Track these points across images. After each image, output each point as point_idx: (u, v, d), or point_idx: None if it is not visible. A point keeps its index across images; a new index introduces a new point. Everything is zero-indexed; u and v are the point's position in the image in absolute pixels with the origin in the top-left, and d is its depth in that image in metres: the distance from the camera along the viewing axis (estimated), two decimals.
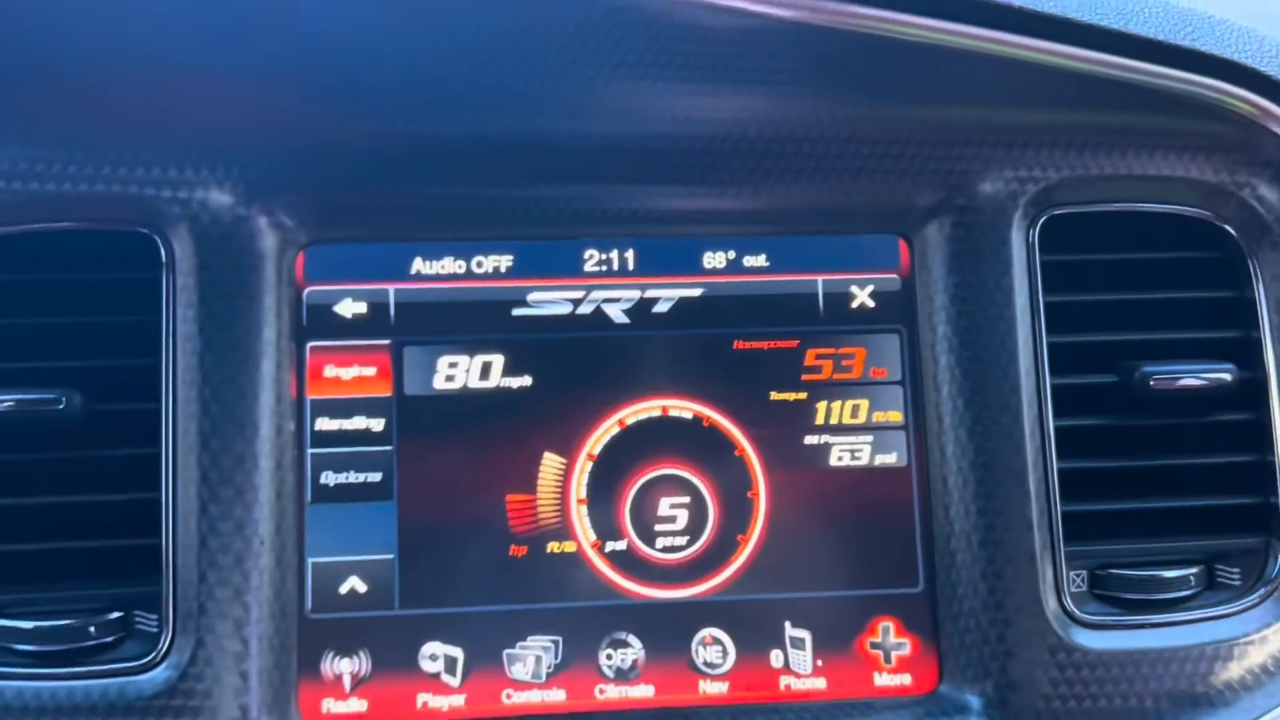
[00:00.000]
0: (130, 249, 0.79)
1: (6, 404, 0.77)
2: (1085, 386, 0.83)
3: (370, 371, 0.82)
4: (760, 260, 0.85)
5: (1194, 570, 0.82)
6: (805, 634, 0.82)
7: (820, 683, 0.82)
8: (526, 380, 0.83)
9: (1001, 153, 0.83)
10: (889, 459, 0.84)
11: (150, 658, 0.76)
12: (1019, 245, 0.83)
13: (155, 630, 0.76)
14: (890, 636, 0.82)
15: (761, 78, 0.80)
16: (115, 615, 0.77)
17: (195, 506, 0.76)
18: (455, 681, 0.80)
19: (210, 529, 0.76)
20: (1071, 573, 0.82)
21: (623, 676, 0.81)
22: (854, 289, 0.85)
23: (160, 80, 0.77)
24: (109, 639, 0.76)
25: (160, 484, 0.77)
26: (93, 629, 0.76)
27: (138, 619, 0.77)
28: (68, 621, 0.76)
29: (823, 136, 0.82)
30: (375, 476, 0.81)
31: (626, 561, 0.82)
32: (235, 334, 0.78)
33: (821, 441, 0.84)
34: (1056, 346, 0.83)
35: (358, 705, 0.79)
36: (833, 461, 0.83)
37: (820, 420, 0.84)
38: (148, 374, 0.78)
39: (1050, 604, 0.80)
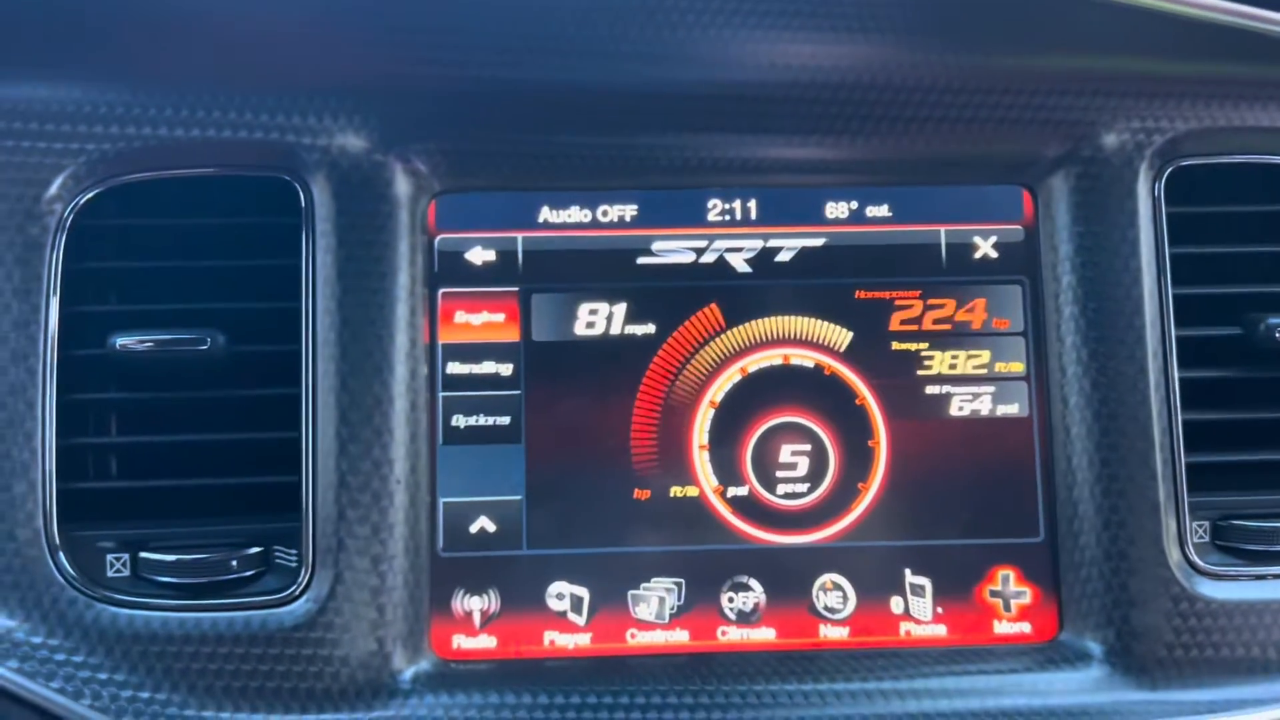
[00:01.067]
0: (271, 194, 0.81)
1: (153, 344, 0.79)
2: (1209, 338, 0.83)
3: (499, 318, 0.84)
4: (883, 210, 0.86)
5: None
6: (925, 581, 0.83)
7: (940, 629, 0.83)
8: (650, 328, 0.84)
9: (1128, 103, 0.83)
10: (1010, 409, 0.84)
11: (290, 591, 0.78)
12: (1145, 197, 0.83)
13: (295, 565, 0.79)
14: (1010, 585, 0.83)
15: (886, 26, 0.80)
16: (256, 550, 0.79)
17: (334, 446, 0.78)
18: (581, 620, 0.82)
19: (350, 468, 0.78)
20: (1194, 523, 0.82)
21: (744, 619, 0.82)
22: (977, 239, 0.85)
23: (300, 29, 0.79)
24: (249, 573, 0.79)
25: (301, 423, 0.79)
26: (234, 563, 0.78)
27: (277, 554, 0.80)
28: (210, 555, 0.78)
29: (947, 86, 0.83)
30: (504, 420, 0.83)
31: (748, 507, 0.83)
32: (372, 279, 0.80)
33: (942, 391, 0.84)
34: (1181, 298, 0.83)
35: (487, 641, 0.81)
36: (953, 411, 0.84)
37: (942, 370, 0.84)
38: (288, 316, 0.80)
39: (1173, 554, 0.80)
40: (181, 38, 0.79)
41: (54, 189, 0.79)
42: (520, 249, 0.84)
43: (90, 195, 0.80)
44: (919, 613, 0.83)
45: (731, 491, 0.83)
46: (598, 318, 0.84)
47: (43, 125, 0.79)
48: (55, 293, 0.79)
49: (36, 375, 0.78)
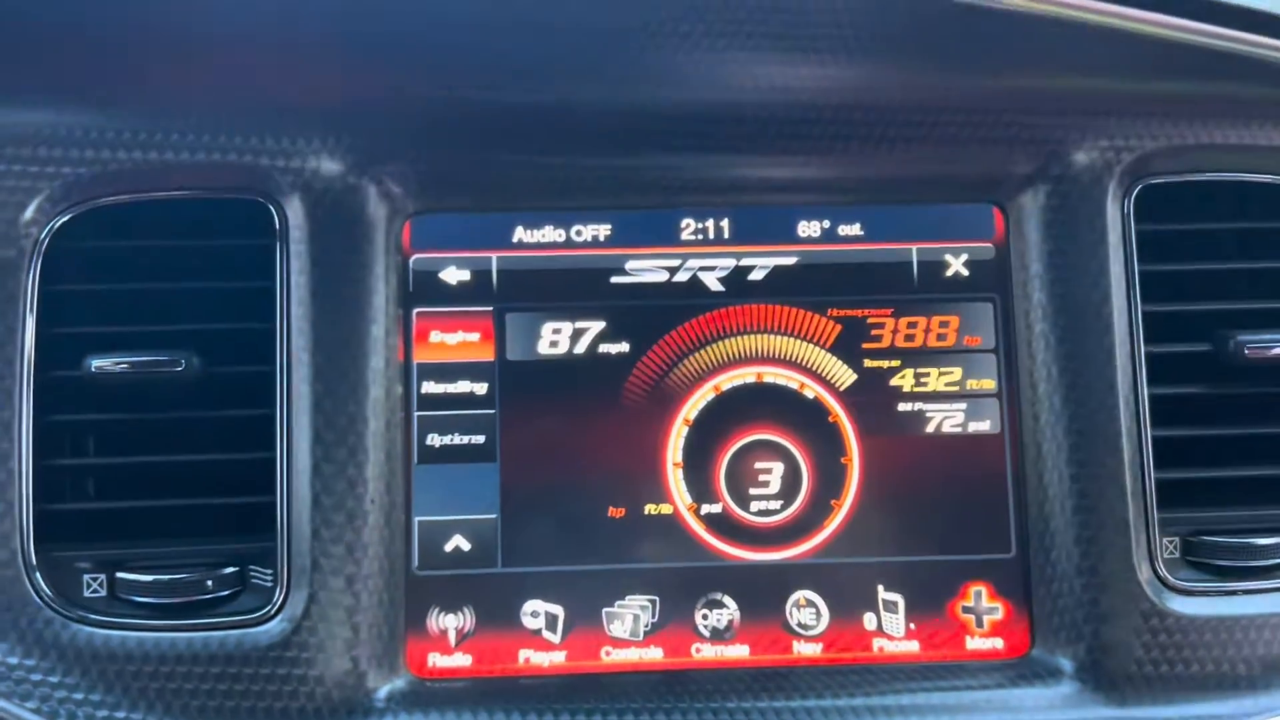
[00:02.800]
0: (246, 217, 0.82)
1: (128, 365, 0.79)
2: (1179, 355, 0.84)
3: (474, 337, 0.84)
4: (855, 229, 0.86)
5: None
6: (898, 597, 0.83)
7: (913, 645, 0.83)
8: (624, 346, 0.85)
9: (1097, 122, 0.84)
10: (982, 426, 0.85)
11: (265, 610, 0.78)
12: (1114, 214, 0.84)
13: (270, 585, 0.79)
14: (982, 601, 0.83)
15: (857, 48, 0.81)
16: (231, 570, 0.80)
17: (309, 465, 0.79)
18: (556, 638, 0.82)
19: (324, 487, 0.79)
20: (1165, 539, 0.82)
21: (718, 636, 0.83)
22: (948, 257, 0.86)
23: (273, 53, 0.80)
24: (225, 592, 0.79)
25: (275, 444, 0.79)
26: (210, 583, 0.79)
27: (253, 574, 0.80)
28: (186, 575, 0.79)
29: (918, 106, 0.83)
30: (479, 439, 0.83)
31: (721, 524, 0.84)
32: (346, 299, 0.81)
33: (915, 408, 0.85)
34: (1151, 315, 0.83)
35: (462, 660, 0.82)
36: (926, 428, 0.85)
37: (914, 387, 0.85)
38: (263, 337, 0.81)
39: (1144, 570, 0.81)
40: (155, 62, 0.79)
41: (30, 212, 0.80)
42: (495, 269, 0.85)
43: (66, 218, 0.81)
44: (892, 629, 0.83)
45: (705, 509, 0.84)
46: (572, 337, 0.84)
47: (18, 149, 0.80)
48: (31, 314, 0.80)
49: (13, 397, 0.78)
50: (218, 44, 0.79)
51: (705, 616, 0.83)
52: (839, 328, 0.85)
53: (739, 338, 0.85)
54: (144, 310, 0.81)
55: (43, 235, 0.80)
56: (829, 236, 0.86)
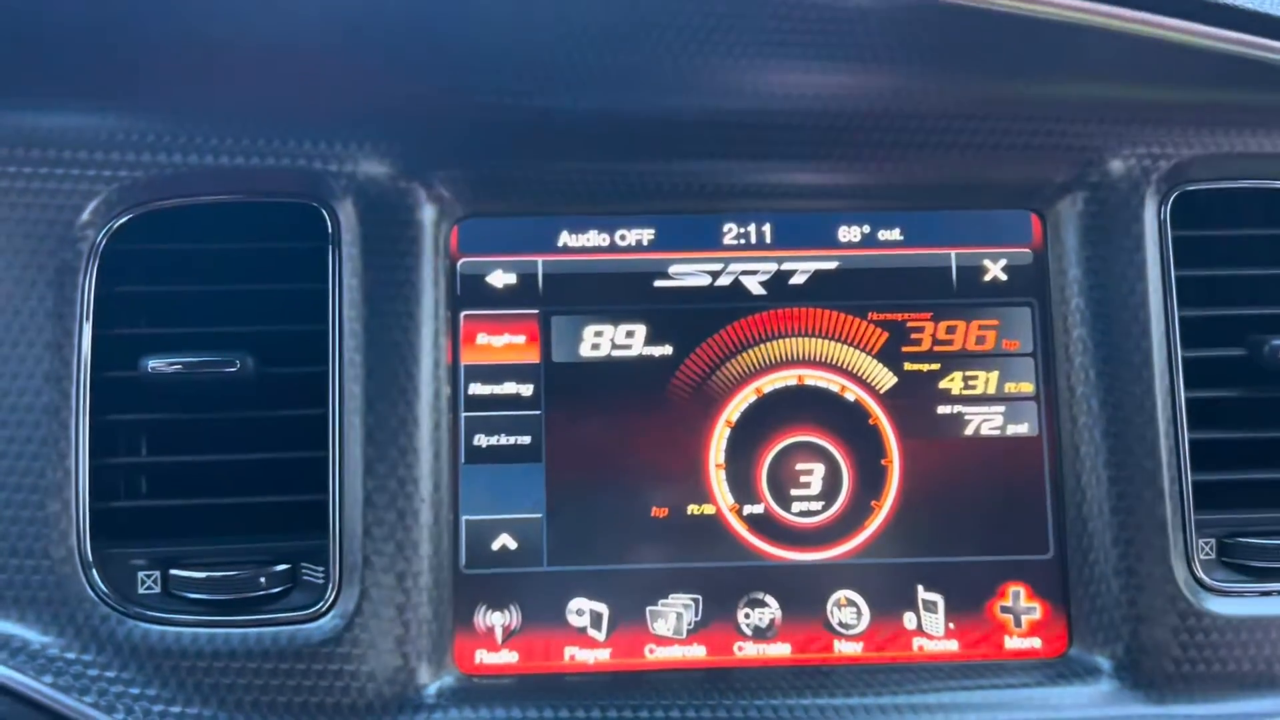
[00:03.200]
0: (298, 220, 0.83)
1: (182, 366, 0.81)
2: (1215, 359, 0.85)
3: (520, 339, 0.86)
4: (894, 234, 0.88)
5: None
6: (938, 597, 0.85)
7: (952, 645, 0.84)
8: (667, 349, 0.86)
9: (1135, 130, 0.85)
10: (1020, 429, 0.86)
11: (318, 607, 0.80)
12: (1151, 220, 0.85)
13: (322, 582, 0.81)
14: (1021, 601, 0.85)
15: (897, 55, 0.82)
16: (284, 567, 0.81)
17: (360, 465, 0.80)
18: (601, 636, 0.84)
19: (375, 486, 0.80)
20: (1201, 540, 0.84)
21: (760, 635, 0.84)
22: (987, 262, 0.87)
23: (325, 60, 0.81)
24: (277, 589, 0.81)
25: (328, 443, 0.81)
26: (263, 580, 0.80)
27: (305, 571, 0.82)
28: (239, 572, 0.80)
29: (957, 113, 0.85)
30: (525, 439, 0.84)
31: (763, 524, 0.85)
32: (396, 302, 0.82)
33: (954, 411, 0.86)
34: (1187, 320, 0.85)
35: (509, 656, 0.83)
36: (965, 431, 0.86)
37: (953, 390, 0.86)
38: (316, 339, 0.82)
39: (1180, 571, 0.82)
40: (210, 68, 0.81)
41: (87, 215, 0.81)
42: (540, 272, 0.86)
43: (122, 221, 0.82)
44: (931, 628, 0.84)
45: (747, 509, 0.85)
46: (616, 339, 0.86)
47: (75, 153, 0.81)
48: (88, 316, 0.81)
49: (70, 397, 0.80)
50: (273, 51, 0.80)
51: (747, 615, 0.84)
52: (879, 331, 0.86)
53: (780, 341, 0.86)
54: (199, 312, 0.83)
55: (99, 238, 0.82)
56: (869, 241, 0.87)
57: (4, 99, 0.81)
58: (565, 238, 0.87)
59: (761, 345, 0.86)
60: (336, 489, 0.80)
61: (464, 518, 0.84)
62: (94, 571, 0.79)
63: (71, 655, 0.78)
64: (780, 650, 0.84)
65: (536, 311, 0.86)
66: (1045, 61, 0.83)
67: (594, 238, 0.87)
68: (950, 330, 0.87)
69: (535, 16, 0.79)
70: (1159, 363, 0.83)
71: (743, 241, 0.87)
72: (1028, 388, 0.86)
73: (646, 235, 0.87)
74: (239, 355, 0.81)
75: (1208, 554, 0.84)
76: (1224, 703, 0.81)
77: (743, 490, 0.85)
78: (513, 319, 0.86)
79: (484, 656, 0.83)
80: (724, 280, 0.87)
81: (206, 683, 0.78)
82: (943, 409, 0.86)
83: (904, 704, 0.81)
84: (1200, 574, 0.82)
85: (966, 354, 0.86)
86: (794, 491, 0.85)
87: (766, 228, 0.88)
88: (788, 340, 0.86)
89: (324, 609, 0.80)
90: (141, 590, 0.80)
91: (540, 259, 0.86)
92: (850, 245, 0.87)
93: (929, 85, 0.84)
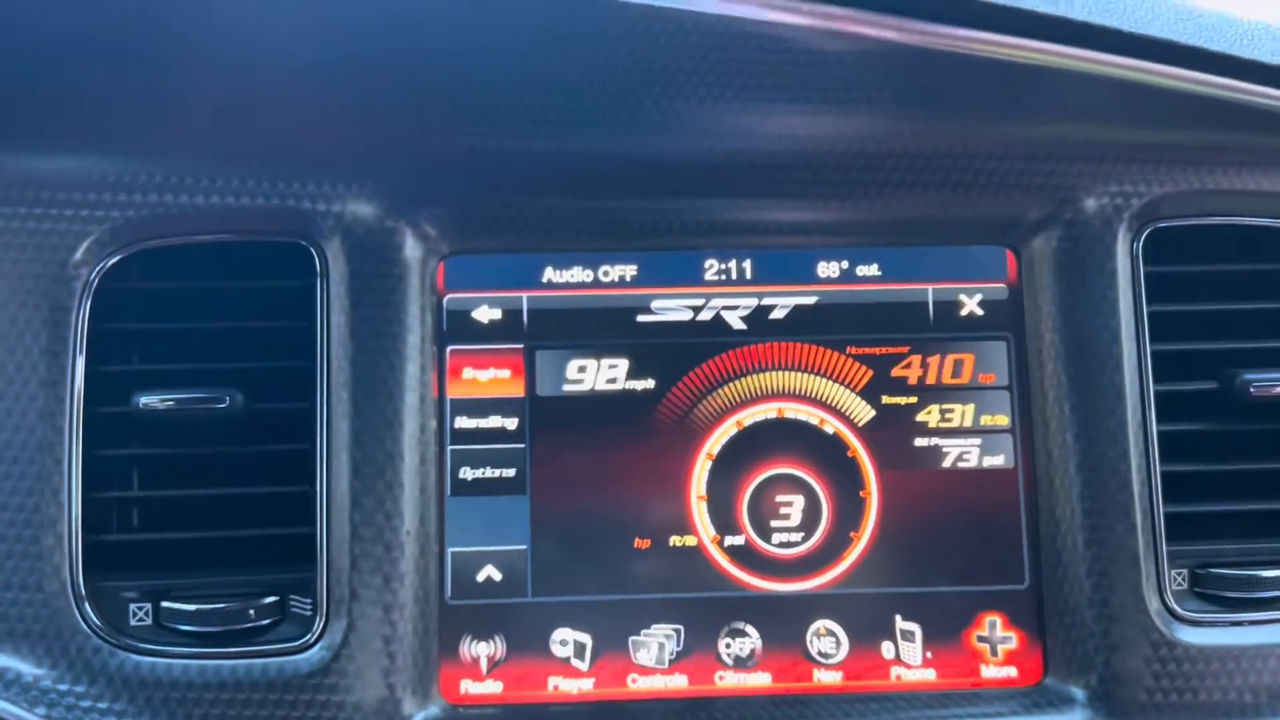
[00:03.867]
0: (287, 258, 0.85)
1: (174, 403, 0.82)
2: (1187, 393, 0.87)
3: (505, 374, 0.87)
4: (873, 270, 0.89)
5: None
6: (915, 627, 0.86)
7: (930, 674, 0.86)
8: (650, 383, 0.87)
9: (1107, 168, 0.87)
10: (996, 461, 0.87)
11: (305, 639, 0.81)
12: (1124, 257, 0.87)
13: (310, 614, 0.82)
14: (997, 630, 0.86)
15: (875, 97, 0.84)
16: (272, 599, 0.82)
17: (348, 499, 0.82)
18: (584, 665, 0.85)
19: (362, 520, 0.82)
20: (1173, 571, 0.85)
21: (741, 664, 0.86)
22: (963, 298, 0.89)
23: (315, 103, 0.83)
24: (266, 621, 0.82)
25: (315, 477, 0.82)
26: (251, 612, 0.81)
27: (293, 603, 0.83)
28: (229, 605, 0.81)
29: (933, 153, 0.86)
30: (510, 472, 0.86)
31: (744, 555, 0.87)
32: (383, 338, 0.84)
33: (931, 444, 0.88)
34: (1160, 354, 0.86)
35: (494, 686, 0.85)
36: (942, 463, 0.87)
37: (930, 423, 0.88)
38: (303, 375, 0.83)
39: (1153, 601, 0.83)
40: (199, 110, 0.82)
41: (80, 254, 0.83)
42: (525, 308, 0.88)
43: (114, 260, 0.84)
44: (909, 657, 0.86)
45: (729, 540, 0.87)
46: (599, 374, 0.87)
47: (69, 194, 0.83)
48: (81, 353, 0.82)
49: (63, 432, 0.81)
50: (260, 94, 0.82)
51: (728, 645, 0.86)
52: (858, 365, 0.88)
53: (760, 375, 0.88)
54: (189, 349, 0.84)
55: (92, 276, 0.83)
56: (848, 277, 0.89)
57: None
58: (550, 274, 0.88)
59: (742, 379, 0.88)
60: (324, 522, 0.82)
61: (450, 549, 0.85)
62: (86, 604, 0.81)
63: (64, 687, 0.80)
64: (760, 680, 0.86)
65: (521, 346, 0.88)
66: (1020, 103, 0.85)
67: (578, 274, 0.89)
68: (927, 364, 0.88)
69: (519, 60, 0.81)
70: (1131, 396, 0.85)
71: (724, 277, 0.89)
72: (1003, 421, 0.88)
73: (629, 271, 0.89)
74: (228, 391, 0.82)
75: (1180, 584, 0.85)
76: None
77: (724, 522, 0.87)
78: (498, 353, 0.87)
79: (469, 686, 0.85)
80: (705, 315, 0.88)
81: (197, 713, 0.80)
82: (920, 441, 0.88)
83: None
84: (1172, 604, 0.84)
85: (943, 387, 0.88)
86: (774, 523, 0.87)
87: (747, 263, 0.89)
88: (768, 374, 0.88)
89: (312, 640, 0.81)
90: (133, 622, 0.82)
91: (525, 295, 0.88)
92: (829, 280, 0.89)
93: (906, 126, 0.85)
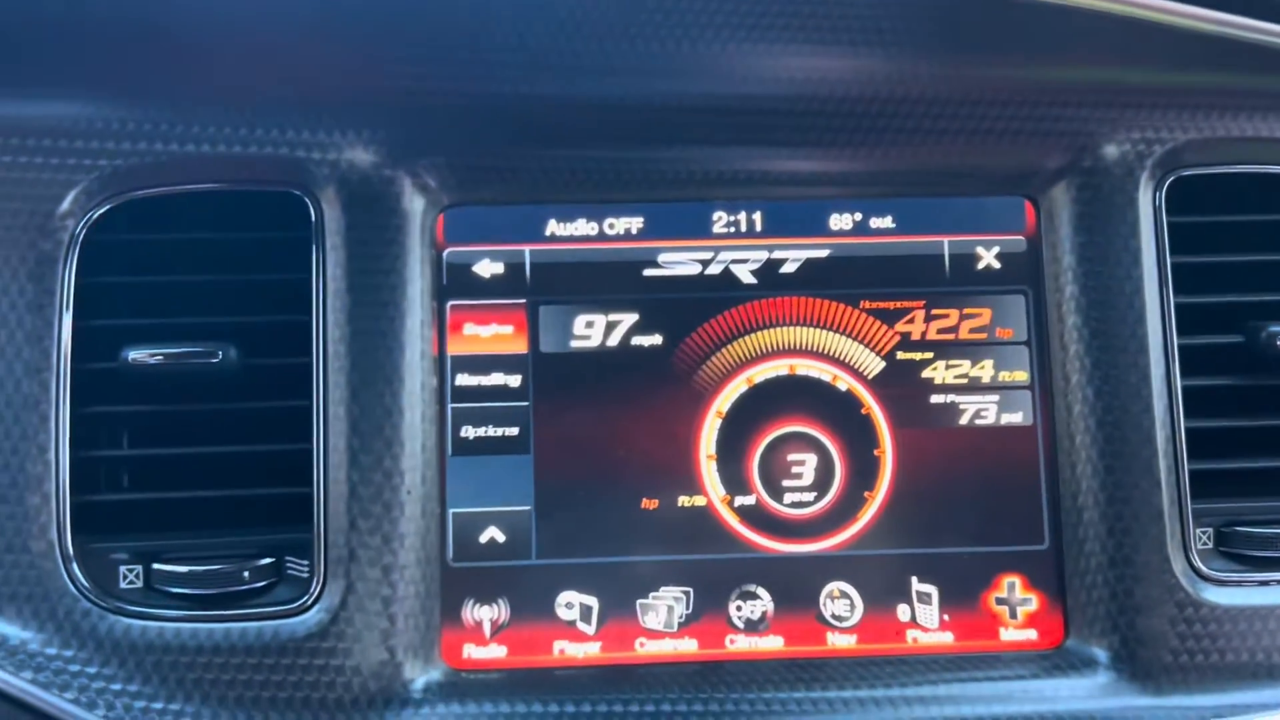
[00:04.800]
0: (282, 209, 0.82)
1: (164, 357, 0.80)
2: (1212, 346, 0.84)
3: (507, 330, 0.84)
4: (886, 221, 0.87)
5: None
6: (932, 589, 0.83)
7: (947, 636, 0.83)
8: (657, 339, 0.85)
9: (1128, 115, 0.84)
10: (1015, 418, 0.85)
11: (302, 601, 0.78)
12: (1146, 207, 0.84)
13: (306, 576, 0.79)
14: (1016, 592, 0.84)
15: (888, 39, 0.81)
16: (268, 561, 0.80)
17: (345, 457, 0.79)
18: (590, 629, 0.82)
19: (360, 479, 0.79)
20: (1198, 530, 0.83)
21: (752, 628, 0.83)
22: (979, 250, 0.86)
23: (308, 46, 0.80)
24: (261, 584, 0.79)
25: (312, 435, 0.80)
26: (246, 574, 0.79)
27: (289, 565, 0.80)
28: (222, 566, 0.79)
29: (949, 99, 0.84)
30: (512, 430, 0.83)
31: (755, 516, 0.84)
32: (382, 292, 0.81)
33: (947, 401, 0.85)
34: (1183, 307, 0.84)
35: (497, 651, 0.82)
36: (959, 420, 0.85)
37: (946, 379, 0.85)
38: (299, 330, 0.81)
39: (1177, 561, 0.81)
40: (190, 55, 0.80)
41: (66, 204, 0.80)
42: (528, 261, 0.85)
43: (102, 211, 0.81)
44: (925, 620, 0.83)
45: (739, 501, 0.84)
46: (605, 329, 0.85)
47: (55, 142, 0.80)
48: (68, 307, 0.80)
49: (50, 389, 0.79)
50: (254, 37, 0.80)
51: (739, 608, 0.83)
52: (871, 320, 0.85)
53: (771, 330, 0.85)
54: (180, 302, 0.82)
55: (79, 228, 0.81)
56: (861, 229, 0.86)
57: None
58: (553, 226, 0.86)
59: (752, 335, 0.85)
60: (321, 482, 0.79)
61: (451, 510, 0.82)
62: (75, 565, 0.78)
63: (52, 651, 0.77)
64: (772, 643, 0.83)
65: (524, 301, 0.85)
66: (1038, 45, 0.82)
67: (582, 226, 0.86)
68: (943, 319, 0.86)
69: (522, 2, 0.78)
70: (1155, 350, 0.82)
71: (733, 230, 0.86)
72: (1022, 376, 0.85)
73: (635, 224, 0.86)
74: (221, 346, 0.80)
75: (1205, 543, 0.83)
76: (1222, 694, 0.80)
77: (734, 481, 0.84)
78: (500, 309, 0.85)
79: (472, 651, 0.82)
80: (714, 269, 0.86)
81: (189, 678, 0.77)
82: (936, 398, 0.85)
83: (898, 696, 0.80)
84: (1198, 564, 0.81)
85: (960, 342, 0.85)
86: (786, 483, 0.84)
87: (757, 216, 0.87)
88: (779, 329, 0.85)
89: (309, 603, 0.78)
90: (123, 585, 0.79)
91: (528, 248, 0.85)
92: (842, 233, 0.86)
93: (921, 70, 0.83)
